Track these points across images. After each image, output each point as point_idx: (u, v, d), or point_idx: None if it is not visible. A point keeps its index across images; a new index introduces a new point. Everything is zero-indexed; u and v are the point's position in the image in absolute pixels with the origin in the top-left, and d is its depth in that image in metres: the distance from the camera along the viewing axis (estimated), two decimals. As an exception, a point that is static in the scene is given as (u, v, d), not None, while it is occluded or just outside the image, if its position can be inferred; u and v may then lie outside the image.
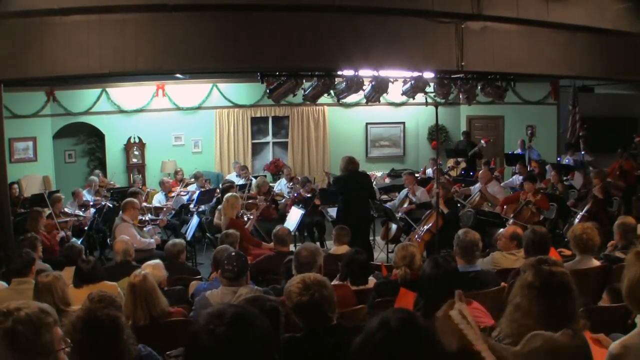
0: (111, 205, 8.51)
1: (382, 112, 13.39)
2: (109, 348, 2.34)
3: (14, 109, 10.55)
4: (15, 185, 9.45)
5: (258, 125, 13.34)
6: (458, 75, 8.47)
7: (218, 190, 9.49)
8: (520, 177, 9.48)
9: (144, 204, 8.45)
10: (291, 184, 10.43)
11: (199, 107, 12.50)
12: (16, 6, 5.93)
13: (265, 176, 11.22)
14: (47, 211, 7.54)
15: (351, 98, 9.32)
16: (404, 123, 13.76)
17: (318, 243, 8.64)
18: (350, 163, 7.14)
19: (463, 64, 7.30)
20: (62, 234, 7.14)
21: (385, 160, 13.62)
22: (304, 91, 8.36)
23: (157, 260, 4.73)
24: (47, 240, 6.78)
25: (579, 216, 7.85)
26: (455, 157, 11.95)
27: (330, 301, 2.71)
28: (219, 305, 1.66)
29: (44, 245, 6.46)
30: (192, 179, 10.61)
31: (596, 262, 4.33)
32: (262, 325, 1.58)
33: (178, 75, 11.27)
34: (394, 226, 8.19)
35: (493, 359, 1.63)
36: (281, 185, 10.62)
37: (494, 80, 8.73)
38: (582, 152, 11.22)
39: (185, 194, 9.99)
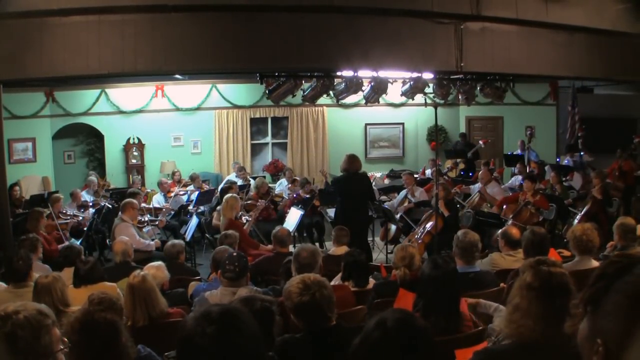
0: (110, 206, 8.50)
1: (381, 112, 13.39)
2: (106, 351, 2.35)
3: (13, 110, 10.56)
4: (17, 187, 9.44)
5: (257, 126, 13.34)
6: (457, 76, 8.47)
7: (217, 191, 9.49)
8: (520, 178, 9.48)
9: (143, 204, 8.45)
10: (291, 185, 10.42)
11: (198, 108, 12.51)
12: (16, 6, 5.93)
13: (264, 177, 11.22)
14: (47, 212, 7.54)
15: (350, 99, 9.32)
16: (403, 124, 13.77)
17: (317, 244, 8.65)
18: (350, 164, 7.05)
19: (462, 64, 7.30)
20: (66, 243, 7.09)
21: (385, 161, 13.62)
22: (303, 92, 8.36)
23: (160, 262, 4.73)
24: (47, 241, 6.77)
25: (578, 217, 7.85)
26: (455, 158, 11.96)
27: (330, 301, 2.72)
28: (202, 308, 1.68)
29: (44, 246, 6.46)
30: (189, 180, 10.60)
31: (595, 263, 4.33)
32: (248, 319, 1.60)
33: (177, 76, 11.27)
34: (393, 227, 8.20)
35: None
36: (282, 186, 10.62)
37: (493, 81, 8.73)
38: (581, 153, 11.23)
39: (183, 193, 9.98)
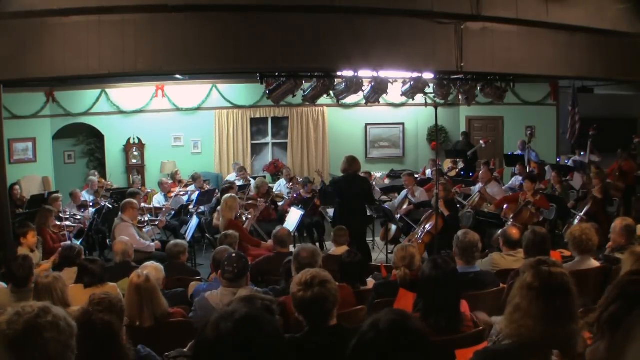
0: (110, 206, 8.50)
1: (381, 113, 13.40)
2: (103, 351, 2.35)
3: (13, 110, 10.56)
4: (17, 187, 9.44)
5: (257, 126, 13.34)
6: (457, 76, 8.47)
7: (217, 191, 9.49)
8: (521, 178, 9.48)
9: (143, 204, 8.44)
10: (290, 184, 10.43)
11: (198, 108, 12.52)
12: (16, 6, 5.93)
13: (264, 177, 11.22)
14: (56, 211, 7.57)
15: (350, 99, 9.33)
16: (403, 124, 13.78)
17: (317, 244, 8.64)
18: (349, 165, 7.00)
19: (462, 64, 7.30)
20: (67, 243, 7.09)
21: (385, 161, 13.62)
22: (304, 92, 8.36)
23: (153, 262, 4.71)
24: (52, 239, 6.81)
25: (578, 217, 7.84)
26: (455, 158, 11.96)
27: (337, 295, 2.71)
28: (237, 305, 1.67)
29: (47, 243, 6.48)
30: (191, 180, 10.60)
31: (595, 263, 4.33)
32: (270, 331, 1.58)
33: (177, 76, 11.28)
34: (393, 227, 8.19)
35: None
36: (281, 186, 10.62)
37: (493, 81, 8.73)
38: (582, 153, 11.22)
39: (184, 194, 9.98)
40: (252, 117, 12.95)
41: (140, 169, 12.29)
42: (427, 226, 7.32)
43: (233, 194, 7.69)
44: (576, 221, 7.55)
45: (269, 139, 13.46)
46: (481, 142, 11.79)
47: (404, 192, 8.98)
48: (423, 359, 1.74)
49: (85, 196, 9.43)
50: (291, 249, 5.72)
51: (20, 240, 5.74)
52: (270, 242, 6.36)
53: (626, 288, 1.24)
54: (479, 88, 8.89)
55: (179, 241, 5.95)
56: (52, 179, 11.69)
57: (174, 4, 6.18)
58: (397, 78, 8.48)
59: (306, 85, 8.27)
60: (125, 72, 6.76)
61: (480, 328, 3.12)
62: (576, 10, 7.51)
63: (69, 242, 6.72)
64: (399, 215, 8.27)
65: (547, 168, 10.73)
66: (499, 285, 4.08)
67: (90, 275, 4.22)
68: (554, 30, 7.64)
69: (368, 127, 13.59)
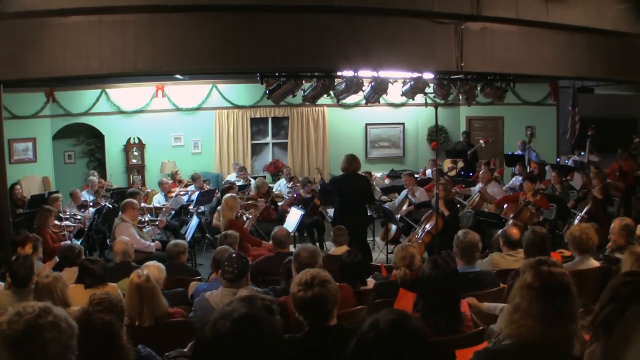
0: (110, 206, 8.49)
1: (381, 112, 13.41)
2: (103, 351, 2.35)
3: (13, 110, 10.56)
4: (18, 187, 9.44)
5: (257, 126, 13.34)
6: (457, 76, 8.47)
7: (217, 191, 9.49)
8: (521, 178, 9.48)
9: (143, 204, 8.44)
10: (291, 184, 10.43)
11: (198, 108, 12.52)
12: (16, 7, 5.94)
13: (264, 177, 11.22)
14: (56, 210, 7.57)
15: (351, 99, 9.33)
16: (403, 124, 13.78)
17: (317, 244, 8.64)
18: (349, 164, 6.93)
19: (462, 64, 7.31)
20: (67, 243, 7.07)
21: (385, 161, 13.63)
22: (304, 92, 8.36)
23: (155, 262, 4.72)
24: (52, 239, 6.80)
25: (578, 217, 7.84)
26: (455, 158, 11.96)
27: (336, 295, 2.71)
28: (236, 304, 1.67)
29: (47, 244, 6.47)
30: (191, 180, 10.60)
31: (595, 263, 4.33)
32: (268, 330, 1.58)
33: (177, 76, 11.28)
34: (393, 227, 8.19)
35: None
36: (281, 186, 10.62)
37: (493, 81, 8.73)
38: (582, 153, 11.23)
39: (184, 194, 9.98)
40: (252, 117, 12.95)
41: (140, 169, 12.29)
42: (427, 226, 7.32)
43: (233, 194, 7.68)
44: (576, 221, 7.54)
45: (269, 139, 13.46)
46: (481, 141, 11.79)
47: (404, 192, 8.98)
48: (422, 359, 1.75)
49: (85, 196, 9.43)
50: (291, 249, 5.72)
51: (18, 250, 5.70)
52: (271, 242, 6.35)
53: (619, 289, 1.24)
54: (479, 88, 8.89)
55: (179, 241, 5.94)
56: (52, 179, 11.69)
57: (174, 4, 6.19)
58: (397, 78, 8.48)
59: (306, 85, 8.27)
60: (125, 72, 6.77)
61: (480, 328, 3.12)
62: (576, 10, 7.52)
63: (69, 242, 6.72)
64: (399, 215, 8.27)
65: (547, 168, 10.73)
66: (499, 285, 4.08)
67: (91, 275, 4.21)
68: (554, 30, 7.65)
69: (368, 127, 13.59)
